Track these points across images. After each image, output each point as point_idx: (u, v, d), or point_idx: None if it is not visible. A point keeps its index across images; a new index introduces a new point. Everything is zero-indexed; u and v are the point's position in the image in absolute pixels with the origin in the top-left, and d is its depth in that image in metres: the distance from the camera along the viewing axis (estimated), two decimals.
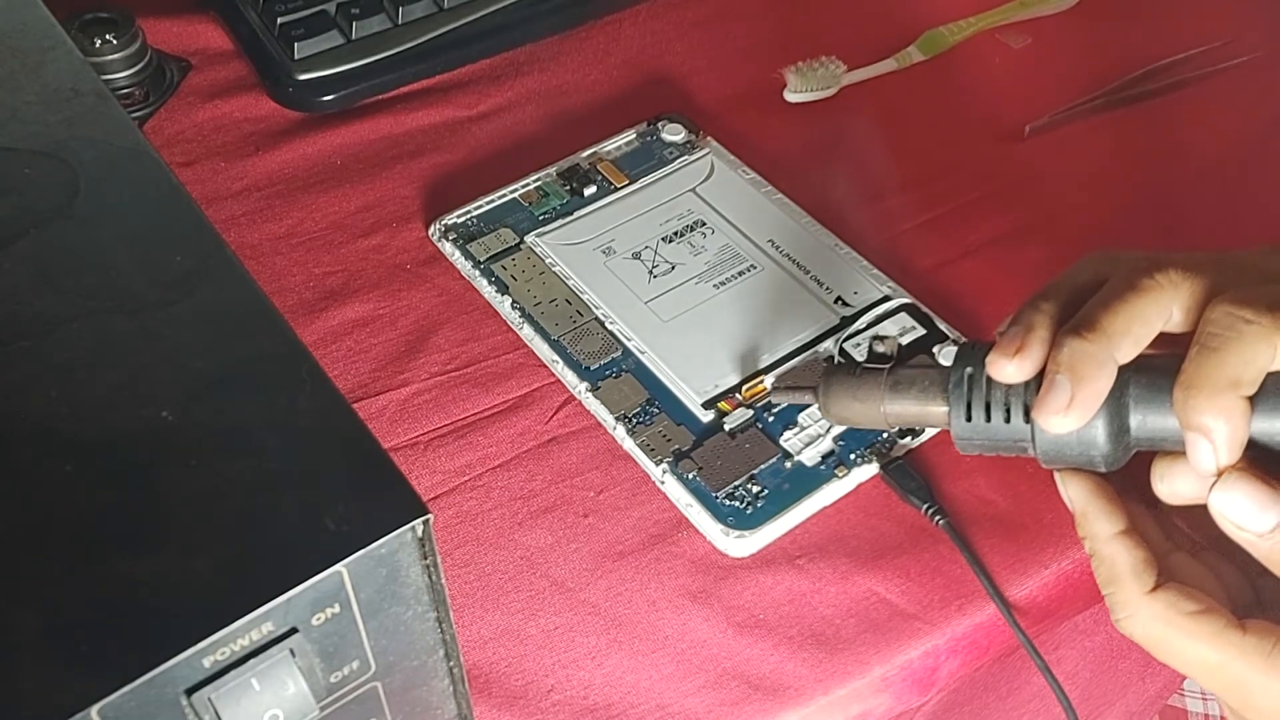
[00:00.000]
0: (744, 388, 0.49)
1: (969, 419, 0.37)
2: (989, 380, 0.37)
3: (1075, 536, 0.45)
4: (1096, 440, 0.36)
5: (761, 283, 0.53)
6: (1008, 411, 0.37)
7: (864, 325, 0.51)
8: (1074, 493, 0.38)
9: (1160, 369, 0.35)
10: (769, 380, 0.49)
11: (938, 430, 0.48)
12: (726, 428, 0.47)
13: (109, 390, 0.31)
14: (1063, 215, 0.57)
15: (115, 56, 0.59)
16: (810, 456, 0.47)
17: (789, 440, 0.47)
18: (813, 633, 0.43)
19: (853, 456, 0.47)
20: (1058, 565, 0.45)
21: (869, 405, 0.40)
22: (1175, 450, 0.35)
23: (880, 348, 0.41)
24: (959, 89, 0.64)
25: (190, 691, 0.27)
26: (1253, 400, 0.34)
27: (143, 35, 0.60)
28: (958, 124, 0.62)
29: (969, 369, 0.38)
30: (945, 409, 0.38)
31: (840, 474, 0.46)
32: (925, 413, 0.39)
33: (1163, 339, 0.36)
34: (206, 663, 0.27)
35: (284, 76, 0.61)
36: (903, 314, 0.51)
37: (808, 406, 0.48)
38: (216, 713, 0.28)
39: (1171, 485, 0.36)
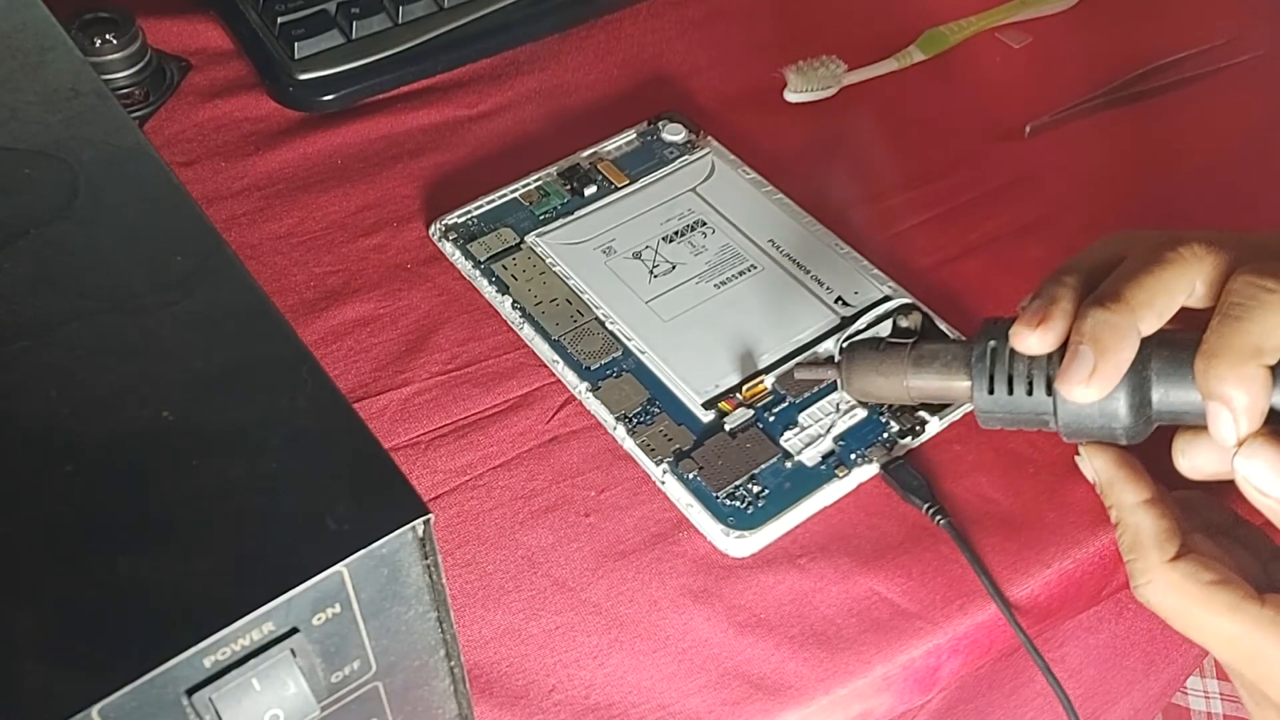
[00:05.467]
0: (744, 388, 0.49)
1: (991, 391, 0.38)
2: (1012, 353, 0.37)
3: (1077, 536, 0.46)
4: (1118, 413, 0.36)
5: (762, 283, 0.53)
6: (1030, 384, 0.37)
7: (864, 325, 0.51)
8: (1099, 464, 0.38)
9: (1183, 343, 0.35)
10: (769, 380, 0.49)
11: (937, 431, 0.48)
12: (727, 428, 0.47)
13: (109, 390, 0.31)
14: (1063, 215, 0.57)
15: (115, 56, 0.59)
16: (811, 456, 0.47)
17: (789, 440, 0.47)
18: (814, 632, 0.43)
19: (853, 456, 0.47)
20: (1059, 565, 0.45)
21: (892, 380, 0.40)
22: (1196, 424, 0.36)
23: (904, 322, 0.41)
24: (959, 89, 0.64)
25: (191, 691, 0.27)
26: (1274, 371, 0.34)
27: (143, 35, 0.60)
28: (958, 124, 0.62)
29: (992, 342, 0.38)
30: (968, 383, 0.38)
31: (841, 474, 0.46)
32: (948, 387, 0.39)
33: (1184, 315, 0.36)
34: (207, 663, 0.27)
35: (284, 76, 0.61)
36: (903, 314, 0.51)
37: (808, 406, 0.48)
38: (217, 713, 0.28)
39: (1193, 460, 0.36)
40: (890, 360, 0.40)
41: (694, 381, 0.49)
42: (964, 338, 0.50)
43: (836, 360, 0.42)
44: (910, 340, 0.41)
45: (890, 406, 0.48)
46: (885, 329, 0.50)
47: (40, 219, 0.34)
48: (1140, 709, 0.60)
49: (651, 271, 0.53)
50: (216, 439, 0.30)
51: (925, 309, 0.51)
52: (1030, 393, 0.37)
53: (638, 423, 0.48)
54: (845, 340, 0.50)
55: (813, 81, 0.62)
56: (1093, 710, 0.58)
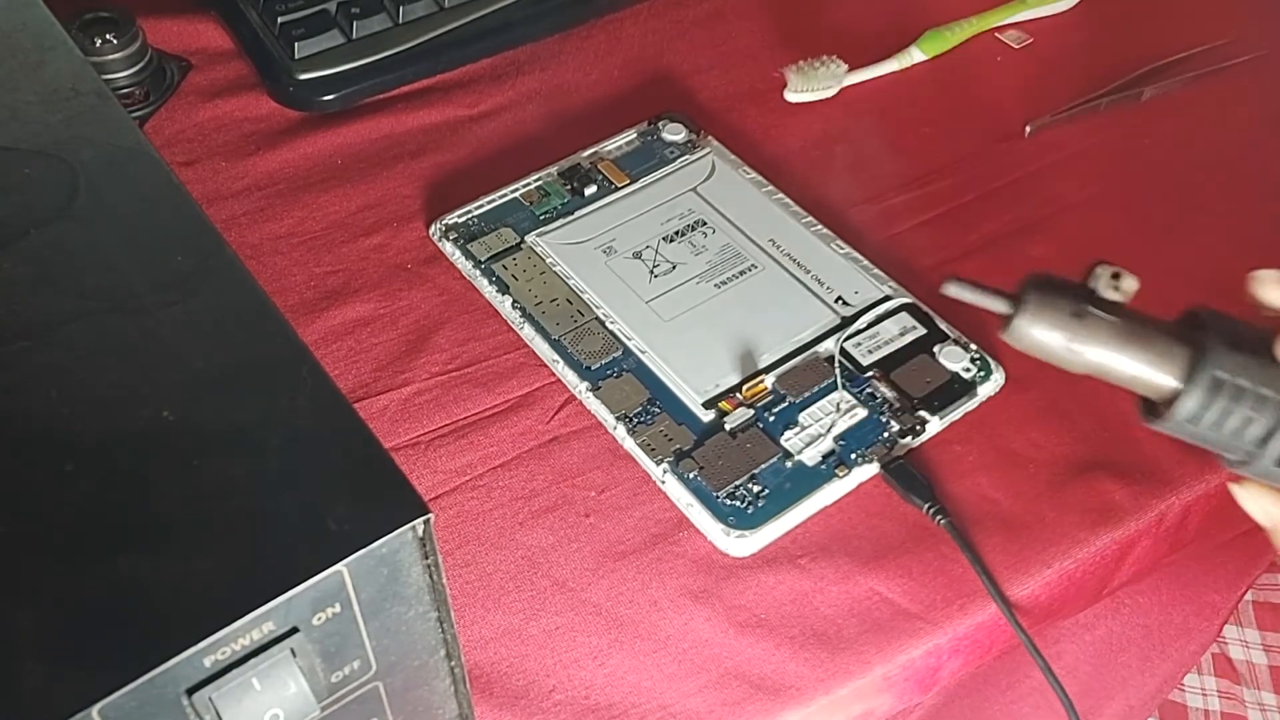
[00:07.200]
0: (744, 387, 0.49)
1: (1199, 419, 0.34)
2: (1240, 391, 0.34)
3: (1078, 536, 0.46)
4: None
5: (762, 282, 0.53)
6: (1247, 425, 0.34)
7: (864, 325, 0.51)
8: (1266, 504, 0.37)
9: None
10: (770, 380, 0.49)
11: (938, 431, 0.48)
12: (727, 427, 0.47)
13: (109, 390, 0.31)
14: (1063, 214, 0.57)
15: (115, 56, 0.59)
16: (811, 456, 0.47)
17: (790, 440, 0.47)
18: (814, 632, 0.43)
19: (853, 456, 0.47)
20: (1060, 564, 0.45)
21: (1083, 345, 0.35)
22: None
23: (1126, 284, 0.35)
24: (959, 89, 0.64)
25: (191, 691, 0.27)
26: None
27: (143, 35, 0.60)
28: (958, 124, 0.62)
29: (1222, 374, 0.34)
30: (1175, 385, 0.34)
31: (841, 474, 0.46)
32: (1151, 380, 0.35)
33: None
34: (207, 662, 0.27)
35: (284, 76, 0.61)
36: (903, 314, 0.51)
37: (808, 406, 0.48)
38: (217, 712, 0.28)
39: None
40: (1088, 323, 0.34)
41: (694, 381, 0.49)
42: (963, 337, 0.50)
43: (1014, 294, 0.35)
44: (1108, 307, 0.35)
45: (891, 406, 0.48)
46: (888, 328, 0.50)
47: (40, 219, 0.34)
48: (1136, 706, 0.60)
49: (652, 271, 0.53)
50: (216, 439, 0.30)
51: (925, 308, 0.51)
52: (1240, 433, 0.34)
53: (638, 422, 0.48)
54: (832, 353, 0.49)
55: (813, 81, 0.62)
56: (1089, 707, 0.58)
